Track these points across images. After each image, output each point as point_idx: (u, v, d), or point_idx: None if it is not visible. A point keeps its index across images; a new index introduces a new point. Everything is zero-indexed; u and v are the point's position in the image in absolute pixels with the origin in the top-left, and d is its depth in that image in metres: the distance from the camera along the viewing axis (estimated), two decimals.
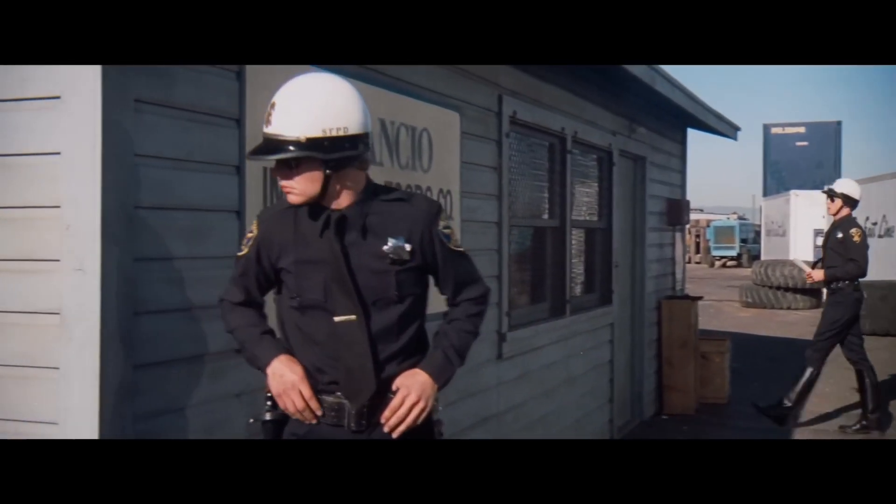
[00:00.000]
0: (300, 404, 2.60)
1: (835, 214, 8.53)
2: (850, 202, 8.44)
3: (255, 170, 3.33)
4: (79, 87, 2.70)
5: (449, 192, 4.81)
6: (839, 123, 43.39)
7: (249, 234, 2.73)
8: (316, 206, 2.61)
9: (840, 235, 8.31)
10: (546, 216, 6.65)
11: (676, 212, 9.61)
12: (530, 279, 6.46)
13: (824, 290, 9.26)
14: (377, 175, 3.14)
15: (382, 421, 2.61)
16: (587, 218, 7.50)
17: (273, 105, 2.54)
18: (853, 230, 8.28)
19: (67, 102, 2.72)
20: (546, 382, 6.39)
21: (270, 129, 2.52)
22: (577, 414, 7.05)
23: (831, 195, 8.55)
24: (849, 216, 8.44)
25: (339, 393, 2.63)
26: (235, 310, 2.75)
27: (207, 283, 3.12)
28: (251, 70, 3.31)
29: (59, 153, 2.73)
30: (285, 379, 2.61)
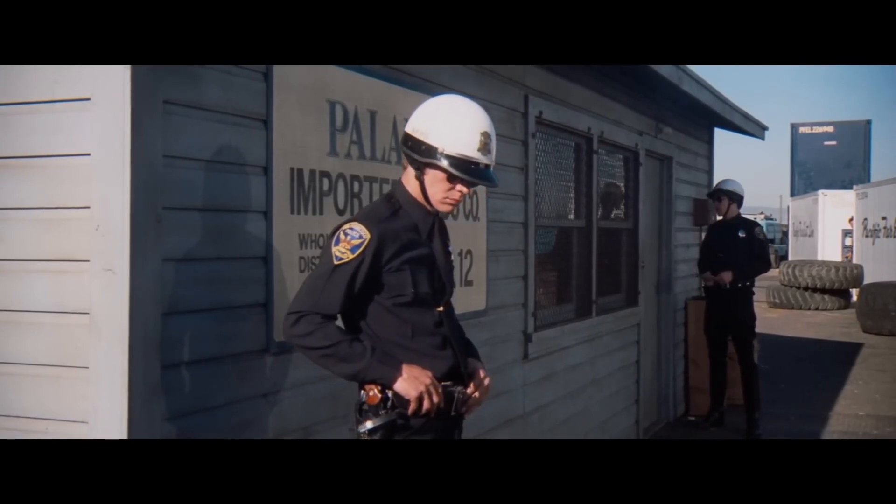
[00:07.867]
0: (438, 398, 2.82)
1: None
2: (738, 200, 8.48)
3: (282, 171, 3.34)
4: (108, 89, 2.71)
5: (475, 192, 4.80)
6: (869, 122, 42.91)
7: (357, 241, 2.77)
8: (422, 209, 2.93)
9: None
10: (572, 216, 6.63)
11: (703, 212, 9.54)
12: (556, 280, 6.44)
13: (854, 291, 9.17)
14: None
15: (472, 402, 2.97)
16: (613, 218, 7.47)
17: (488, 136, 2.94)
18: (756, 228, 8.43)
19: (97, 104, 2.74)
20: (572, 383, 6.37)
21: (490, 160, 2.98)
22: (603, 415, 7.03)
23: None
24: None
25: (448, 382, 2.90)
26: (327, 325, 2.76)
27: (235, 284, 3.14)
28: (279, 71, 3.32)
29: (88, 154, 2.75)
30: (423, 380, 2.80)
